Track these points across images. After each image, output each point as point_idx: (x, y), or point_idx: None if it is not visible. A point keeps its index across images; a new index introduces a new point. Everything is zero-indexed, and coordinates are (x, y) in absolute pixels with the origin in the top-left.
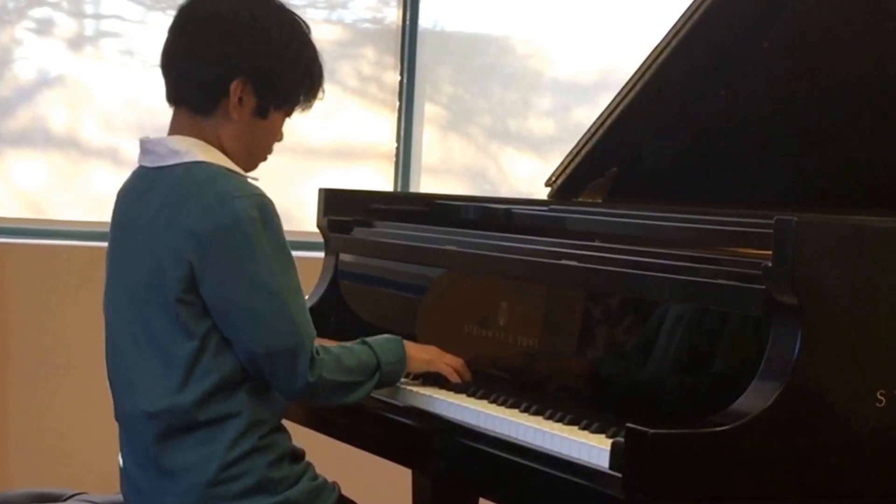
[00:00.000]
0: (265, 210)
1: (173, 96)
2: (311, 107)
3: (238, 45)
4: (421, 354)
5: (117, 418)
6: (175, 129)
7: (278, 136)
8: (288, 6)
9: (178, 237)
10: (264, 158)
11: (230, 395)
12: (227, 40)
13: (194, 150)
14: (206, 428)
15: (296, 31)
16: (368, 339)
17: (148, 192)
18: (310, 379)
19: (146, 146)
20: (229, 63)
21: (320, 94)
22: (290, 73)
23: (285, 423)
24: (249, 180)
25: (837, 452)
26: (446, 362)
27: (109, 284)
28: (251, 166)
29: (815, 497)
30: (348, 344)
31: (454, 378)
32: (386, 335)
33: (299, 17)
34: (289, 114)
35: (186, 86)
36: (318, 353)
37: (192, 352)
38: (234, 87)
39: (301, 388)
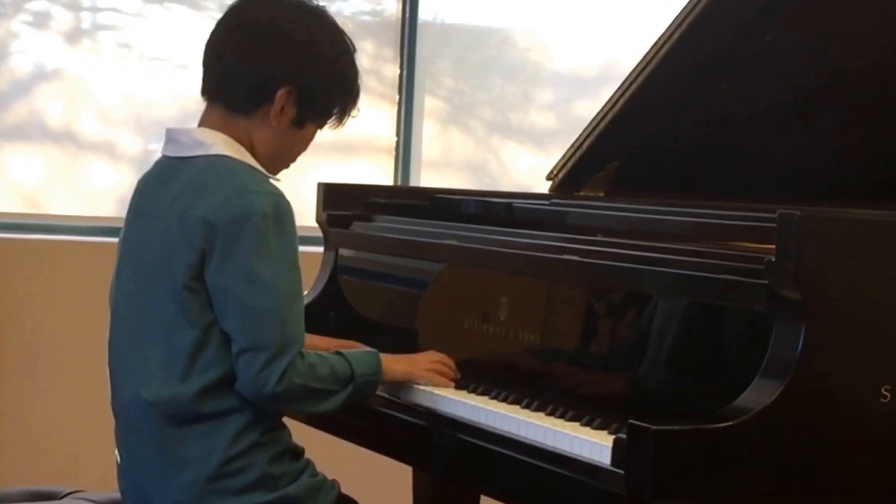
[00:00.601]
0: (280, 209)
1: (212, 91)
2: (343, 125)
3: (290, 56)
4: (397, 367)
5: (115, 410)
6: (206, 122)
7: (306, 147)
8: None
9: (193, 224)
10: (287, 166)
11: (234, 389)
12: (281, 49)
13: (219, 144)
14: (208, 421)
15: (344, 50)
16: (343, 351)
17: (168, 181)
18: (276, 389)
19: (172, 135)
20: (279, 72)
21: (354, 113)
22: (334, 90)
23: (285, 421)
24: (272, 181)
25: (842, 449)
26: (425, 369)
27: (120, 271)
28: (273, 171)
29: (819, 494)
30: (323, 353)
31: (437, 381)
32: (363, 348)
33: (347, 35)
34: (321, 127)
35: (230, 84)
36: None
37: (194, 342)
38: (280, 96)
39: (270, 391)
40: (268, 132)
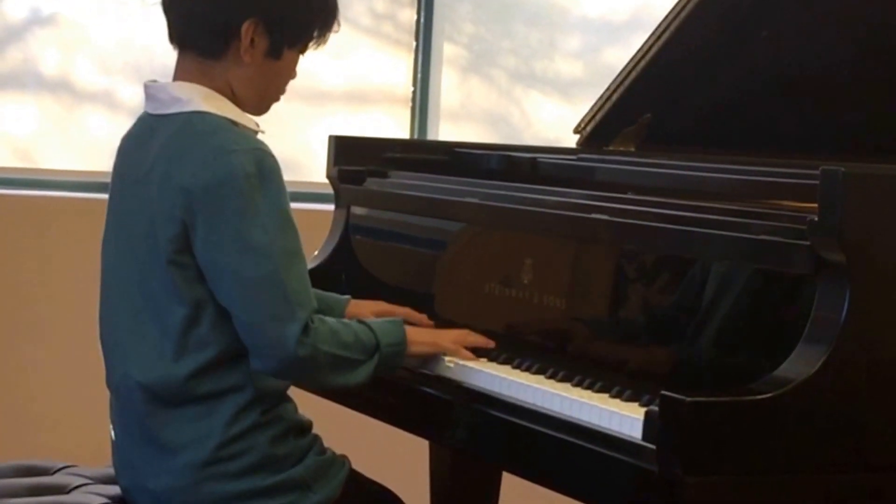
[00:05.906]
0: (264, 165)
1: (177, 38)
2: (326, 42)
3: None
4: (421, 338)
5: (109, 386)
6: (180, 73)
7: (292, 75)
8: None
9: (172, 194)
10: (277, 100)
11: (233, 367)
12: None
13: (196, 99)
14: (204, 402)
15: None
16: (367, 320)
17: (148, 140)
18: (300, 353)
19: (150, 91)
20: (240, 2)
21: (336, 27)
22: (305, 8)
23: (293, 391)
24: (258, 134)
25: (888, 422)
26: (452, 340)
27: (108, 240)
28: (263, 110)
29: (864, 470)
30: (346, 320)
31: (463, 355)
32: (386, 318)
33: None
34: (303, 51)
35: (191, 27)
36: (312, 321)
37: (185, 319)
38: (246, 29)
39: (290, 361)
40: (243, 71)
